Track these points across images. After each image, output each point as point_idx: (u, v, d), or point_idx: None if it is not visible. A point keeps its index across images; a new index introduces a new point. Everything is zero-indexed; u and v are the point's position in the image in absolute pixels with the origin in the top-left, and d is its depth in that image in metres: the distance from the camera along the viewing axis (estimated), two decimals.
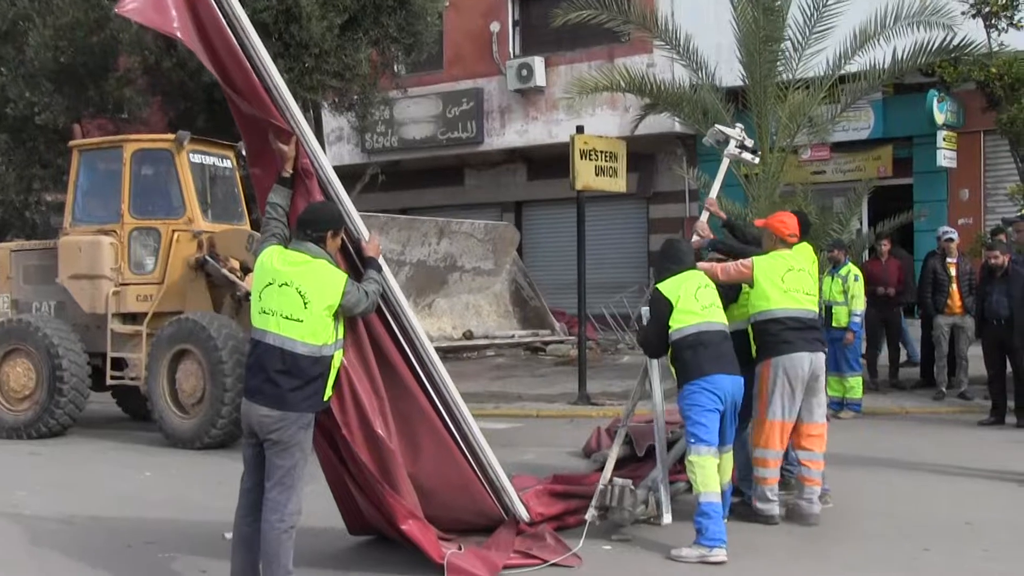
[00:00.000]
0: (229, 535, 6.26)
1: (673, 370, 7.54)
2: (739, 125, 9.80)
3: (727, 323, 7.55)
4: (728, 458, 7.56)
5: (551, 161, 20.73)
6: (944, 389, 13.87)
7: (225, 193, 14.10)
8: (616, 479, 7.58)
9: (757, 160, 10.35)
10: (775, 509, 7.65)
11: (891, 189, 19.07)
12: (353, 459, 6.41)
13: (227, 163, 14.07)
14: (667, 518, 7.50)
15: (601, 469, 8.80)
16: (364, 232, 6.51)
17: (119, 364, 13.19)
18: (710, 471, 7.07)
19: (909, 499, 8.62)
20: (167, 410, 12.29)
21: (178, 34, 6.29)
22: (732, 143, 9.08)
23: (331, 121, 20.45)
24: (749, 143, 9.34)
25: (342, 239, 6.22)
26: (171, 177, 13.33)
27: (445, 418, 6.75)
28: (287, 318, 5.71)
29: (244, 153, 6.74)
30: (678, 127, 19.25)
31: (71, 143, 14.21)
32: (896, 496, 8.75)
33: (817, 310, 7.96)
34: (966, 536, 7.43)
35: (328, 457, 6.69)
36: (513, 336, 11.94)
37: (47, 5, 18.28)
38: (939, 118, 17.70)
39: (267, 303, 5.77)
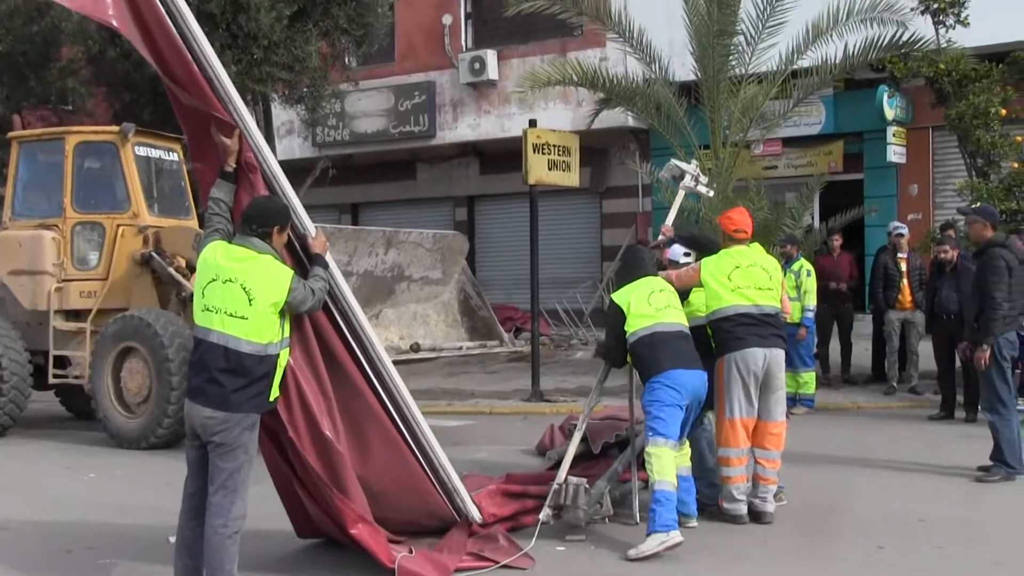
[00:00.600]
0: (174, 539, 6.09)
1: (636, 372, 7.60)
2: (694, 161, 10.25)
3: (686, 323, 7.57)
4: (687, 450, 7.60)
5: (504, 155, 20.59)
6: (895, 384, 13.96)
7: (171, 187, 13.90)
8: (571, 478, 7.52)
9: (711, 194, 10.61)
10: (742, 508, 7.62)
11: (842, 184, 19.15)
12: (300, 462, 6.29)
13: (173, 156, 13.88)
14: (637, 517, 7.62)
15: (555, 467, 8.79)
16: (311, 228, 6.39)
17: (62, 362, 13.01)
18: (666, 461, 7.05)
19: (862, 495, 8.62)
20: (112, 409, 12.07)
21: (114, 22, 6.10)
22: (688, 177, 9.15)
23: (281, 114, 20.24)
24: (704, 179, 9.49)
25: (288, 235, 6.08)
26: (115, 170, 13.14)
27: (395, 418, 6.66)
28: (231, 315, 5.57)
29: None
30: (631, 121, 19.20)
31: (10, 135, 13.96)
32: (849, 492, 8.74)
33: (776, 305, 7.86)
34: (920, 533, 7.42)
35: (275, 459, 6.55)
36: (461, 348, 11.88)
37: None
38: (889, 114, 17.79)
39: (210, 300, 5.61)
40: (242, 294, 5.58)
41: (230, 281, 5.61)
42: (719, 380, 7.62)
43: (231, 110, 6.20)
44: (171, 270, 12.45)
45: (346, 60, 18.81)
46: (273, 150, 18.20)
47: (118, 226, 12.88)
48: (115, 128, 13.27)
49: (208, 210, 6.08)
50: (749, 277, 7.72)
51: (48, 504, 8.97)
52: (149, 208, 13.10)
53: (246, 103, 16.60)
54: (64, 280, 12.87)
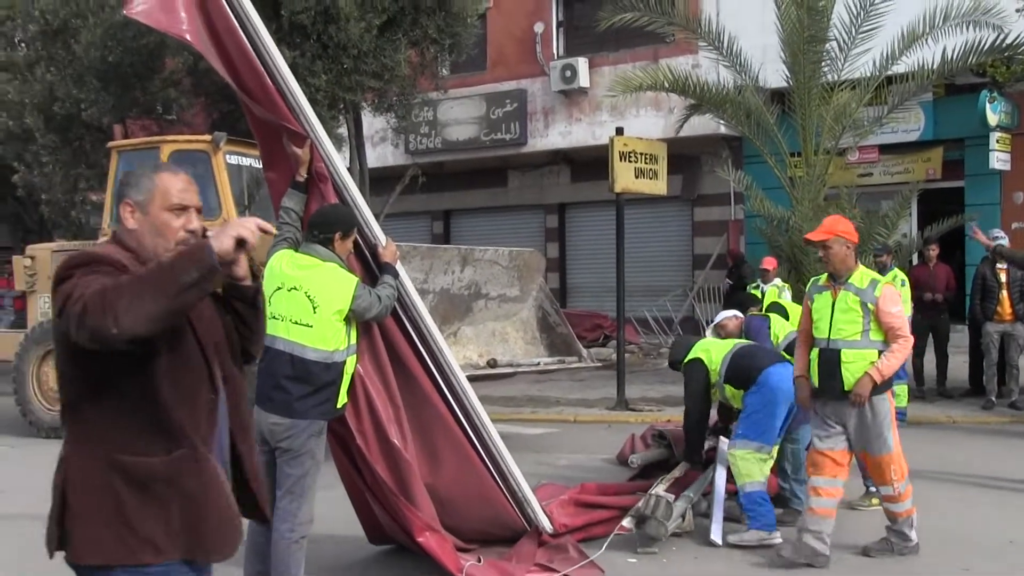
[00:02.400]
0: None
1: (734, 404, 7.77)
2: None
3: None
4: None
5: (594, 163, 20.53)
6: (994, 399, 13.53)
7: (263, 195, 13.97)
8: (659, 491, 7.44)
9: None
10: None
11: (942, 192, 18.74)
12: (368, 469, 6.29)
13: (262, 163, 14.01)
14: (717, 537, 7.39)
15: (635, 477, 8.76)
16: (381, 237, 6.38)
17: None
18: (752, 463, 7.21)
19: (951, 514, 8.32)
20: None
21: (187, 36, 6.13)
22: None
23: (374, 123, 20.39)
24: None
25: (357, 242, 6.10)
26: (207, 178, 13.27)
27: (465, 427, 6.61)
28: (296, 323, 5.61)
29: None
30: (723, 129, 18.97)
31: (110, 144, 14.28)
32: (938, 510, 8.43)
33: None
34: (1009, 555, 7.14)
35: (345, 466, 6.56)
36: (539, 364, 11.75)
37: (100, 4, 18.40)
38: (992, 119, 17.35)
39: (276, 308, 5.65)
40: (306, 302, 5.61)
41: (295, 289, 5.65)
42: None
43: (302, 120, 6.23)
44: (260, 280, 12.58)
45: (437, 69, 18.89)
46: (365, 158, 18.54)
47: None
48: (208, 137, 13.46)
49: (279, 219, 6.13)
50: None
51: None
52: (240, 215, 13.29)
53: (337, 112, 16.97)
54: None
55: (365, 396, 6.13)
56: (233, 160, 13.49)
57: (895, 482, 6.88)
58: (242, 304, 3.63)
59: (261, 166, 13.75)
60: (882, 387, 6.80)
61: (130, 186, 3.31)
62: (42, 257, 14.50)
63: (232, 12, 6.04)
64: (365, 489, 6.53)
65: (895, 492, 6.91)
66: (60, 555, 3.22)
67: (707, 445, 8.51)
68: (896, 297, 6.96)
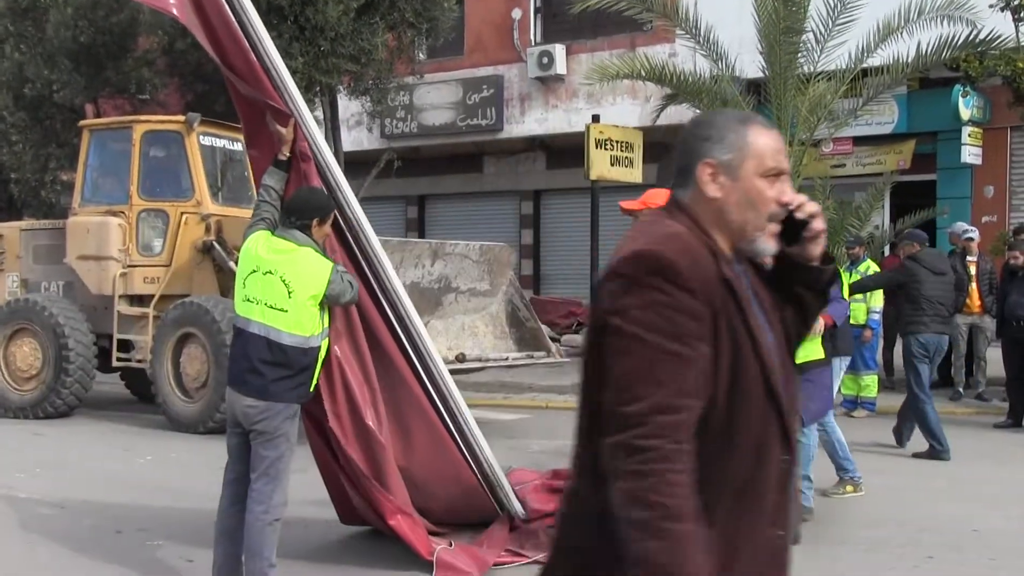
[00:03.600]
0: None
1: None
2: None
3: None
4: None
5: (570, 150, 20.52)
6: (961, 390, 13.72)
7: (236, 176, 14.05)
8: None
9: None
10: None
11: (915, 185, 18.83)
12: (342, 452, 6.32)
13: (238, 146, 13.95)
14: None
15: None
16: (362, 218, 6.40)
17: (126, 346, 13.24)
18: None
19: (917, 503, 8.47)
20: (171, 394, 12.29)
21: (174, 11, 6.22)
22: None
23: (350, 106, 20.35)
24: None
25: (340, 227, 6.12)
26: (181, 159, 13.34)
27: (440, 410, 6.63)
28: (271, 307, 5.61)
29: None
30: None
31: (82, 123, 14.29)
32: (904, 499, 8.59)
33: None
34: (972, 544, 7.25)
35: (319, 447, 6.62)
36: (507, 358, 11.80)
37: None
38: (964, 113, 17.47)
39: (251, 291, 5.67)
40: (282, 287, 5.61)
41: (270, 273, 5.64)
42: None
43: (287, 100, 6.27)
44: (231, 263, 12.58)
45: (414, 53, 18.88)
46: (340, 141, 18.50)
47: (182, 214, 13.05)
48: (181, 117, 13.45)
49: (258, 197, 6.15)
50: None
51: (104, 485, 9.10)
52: (213, 197, 13.27)
53: (313, 94, 16.92)
54: (129, 266, 13.09)
55: (342, 378, 6.17)
56: (207, 141, 13.52)
57: None
58: (810, 293, 2.55)
59: (243, 145, 13.92)
60: None
61: (711, 141, 2.40)
62: (10, 236, 14.50)
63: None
64: (339, 471, 6.57)
65: None
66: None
67: None
68: None
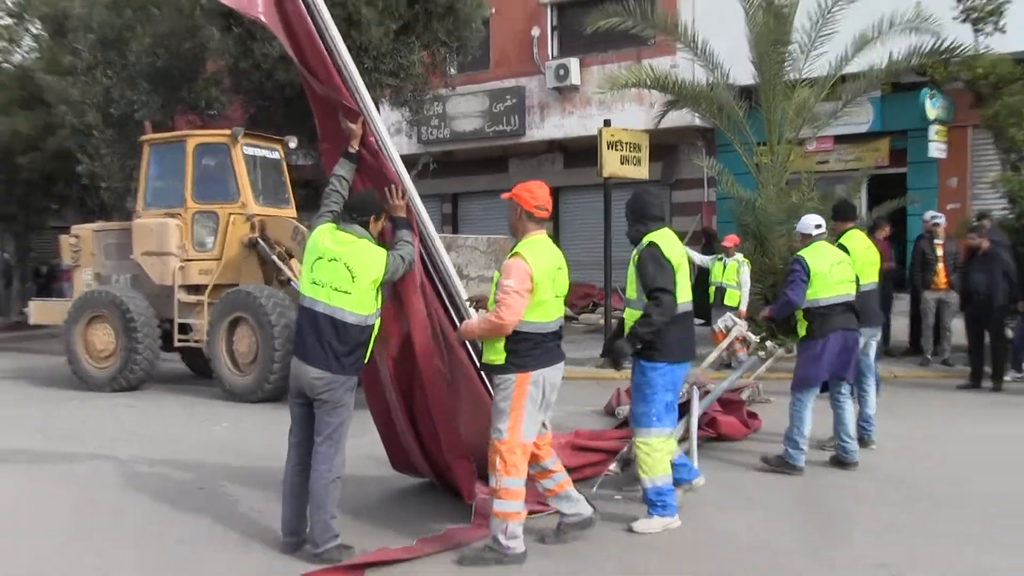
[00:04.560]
0: None
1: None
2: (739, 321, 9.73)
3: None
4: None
5: (585, 151, 20.54)
6: (929, 356, 13.72)
7: (274, 181, 14.35)
8: None
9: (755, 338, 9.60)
10: (586, 508, 6.14)
11: (888, 177, 18.82)
12: (423, 401, 6.39)
13: (276, 154, 14.35)
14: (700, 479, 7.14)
15: (621, 425, 8.77)
16: (416, 198, 6.43)
17: (185, 328, 13.53)
18: (664, 455, 6.39)
19: (889, 458, 8.45)
20: (225, 369, 12.61)
21: (262, 18, 6.25)
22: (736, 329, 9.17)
23: (390, 116, 20.39)
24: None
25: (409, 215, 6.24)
26: (227, 167, 13.61)
27: (481, 375, 6.55)
28: (336, 290, 5.69)
29: (318, 133, 6.70)
30: (698, 121, 18.99)
31: (141, 138, 14.46)
32: (876, 454, 8.55)
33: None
34: (938, 496, 7.26)
35: (380, 409, 6.67)
36: None
37: (148, 16, 18.43)
38: (931, 114, 17.41)
39: (318, 275, 5.75)
40: (346, 272, 5.69)
41: (335, 260, 5.71)
42: (516, 397, 5.70)
43: (357, 99, 6.31)
44: (274, 256, 12.93)
45: (446, 68, 18.91)
46: None
47: (229, 215, 13.34)
48: (227, 132, 13.68)
49: (330, 185, 6.20)
50: (561, 284, 5.90)
51: (187, 448, 9.25)
52: (255, 199, 13.53)
53: None
54: (186, 260, 13.41)
55: (441, 328, 6.31)
56: (249, 151, 13.77)
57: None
58: None
59: (272, 156, 14.12)
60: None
61: None
62: (85, 237, 14.80)
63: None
64: (407, 427, 6.62)
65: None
66: None
67: (681, 398, 8.09)
68: (508, 269, 5.66)
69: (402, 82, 16.84)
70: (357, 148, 6.27)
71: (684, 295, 6.24)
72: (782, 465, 7.82)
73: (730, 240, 14.03)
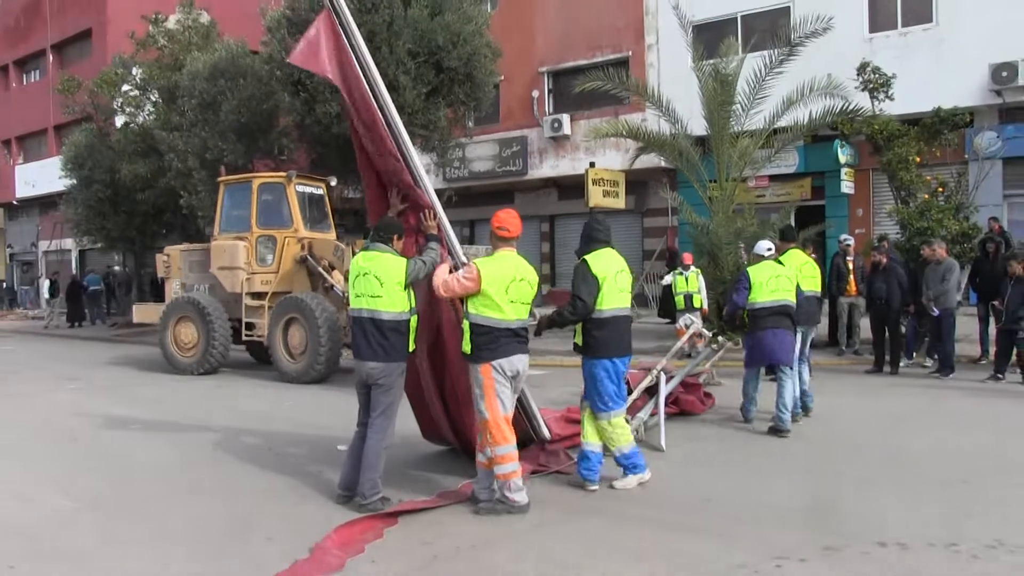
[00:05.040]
0: (342, 447, 6.25)
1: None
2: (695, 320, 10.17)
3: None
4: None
5: (575, 186, 20.63)
6: (844, 348, 13.66)
7: (319, 210, 14.48)
8: None
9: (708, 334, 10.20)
10: (525, 497, 5.64)
11: (811, 208, 18.83)
12: (452, 382, 6.31)
13: (320, 191, 14.50)
14: (663, 444, 7.25)
15: None
16: (445, 221, 6.34)
17: (250, 326, 13.63)
18: (625, 430, 6.21)
19: (814, 425, 8.43)
20: (282, 357, 12.70)
21: (330, 76, 6.12)
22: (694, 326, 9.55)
23: (421, 159, 20.33)
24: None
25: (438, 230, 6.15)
26: (283, 201, 13.74)
27: None
28: (372, 296, 5.69)
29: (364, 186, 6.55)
30: (663, 163, 18.98)
31: (219, 179, 14.68)
32: (806, 423, 8.53)
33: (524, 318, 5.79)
34: (854, 453, 7.23)
35: (414, 386, 6.48)
36: None
37: (235, 84, 18.50)
38: (842, 159, 17.41)
39: (358, 289, 5.77)
40: (375, 280, 5.68)
41: (367, 273, 5.73)
42: (486, 384, 5.59)
43: (401, 143, 6.19)
44: (320, 268, 13.01)
45: (465, 122, 18.94)
46: None
47: (285, 238, 13.48)
48: (284, 174, 13.85)
49: (425, 254, 5.92)
50: (520, 292, 5.66)
51: (260, 419, 9.25)
52: (304, 225, 13.65)
53: None
54: (251, 273, 13.51)
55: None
56: (300, 188, 13.90)
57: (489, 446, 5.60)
58: None
59: (318, 192, 14.17)
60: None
61: None
62: (174, 255, 15.00)
63: (357, 62, 6.11)
64: (435, 400, 6.52)
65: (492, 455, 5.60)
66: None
67: (647, 383, 8.18)
68: (466, 267, 5.72)
69: (431, 133, 16.89)
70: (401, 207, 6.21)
71: (614, 303, 5.99)
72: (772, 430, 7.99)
73: (687, 257, 14.03)
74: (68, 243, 33.63)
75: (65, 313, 26.94)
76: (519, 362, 5.66)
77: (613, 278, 6.01)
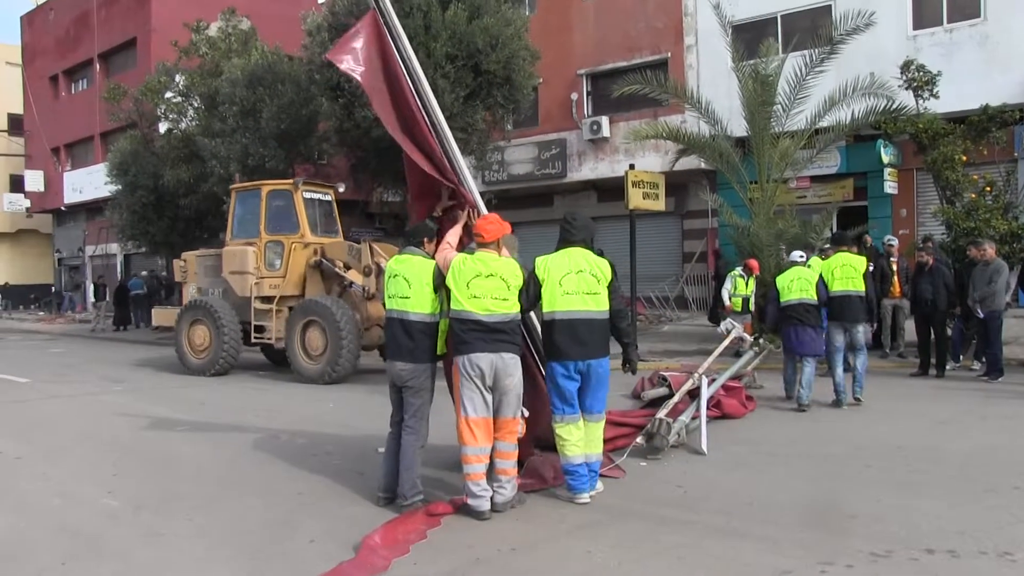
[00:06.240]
0: (382, 450, 6.28)
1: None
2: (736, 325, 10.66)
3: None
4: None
5: (614, 189, 20.56)
6: (888, 351, 13.45)
7: (326, 216, 14.66)
8: (661, 416, 7.39)
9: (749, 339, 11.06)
10: (485, 504, 5.53)
11: (853, 209, 18.56)
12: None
13: (328, 196, 14.68)
14: (704, 447, 7.21)
15: (646, 406, 8.73)
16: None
17: (259, 328, 13.85)
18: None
19: (858, 428, 8.34)
20: (300, 359, 12.89)
21: (356, 76, 6.10)
22: (735, 331, 10.23)
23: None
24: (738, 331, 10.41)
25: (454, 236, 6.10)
26: (291, 207, 13.93)
27: (541, 368, 6.35)
28: (402, 297, 5.74)
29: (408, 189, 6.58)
30: (703, 165, 18.86)
31: (231, 187, 14.90)
32: (848, 426, 8.45)
33: (508, 312, 5.58)
34: (897, 456, 7.14)
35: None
36: None
37: (275, 91, 18.75)
38: (885, 159, 17.20)
39: (390, 291, 5.83)
40: (404, 282, 5.74)
41: (398, 275, 5.80)
42: (454, 380, 5.69)
43: (444, 142, 6.18)
44: (336, 269, 13.14)
45: (503, 125, 18.99)
46: None
47: (292, 243, 13.68)
48: (291, 180, 14.05)
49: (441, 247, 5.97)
50: (485, 287, 5.54)
51: (302, 421, 9.29)
52: (312, 231, 13.89)
53: None
54: (260, 278, 13.74)
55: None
56: (307, 195, 14.08)
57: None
58: None
59: (326, 198, 14.42)
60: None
61: None
62: (190, 260, 15.26)
63: (405, 68, 6.13)
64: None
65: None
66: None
67: (689, 386, 8.25)
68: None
69: (470, 136, 16.97)
70: (439, 214, 6.27)
71: (562, 305, 5.71)
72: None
73: (754, 265, 13.89)
74: (113, 248, 34.37)
75: (112, 316, 27.50)
76: (482, 360, 5.47)
77: (558, 281, 5.72)
